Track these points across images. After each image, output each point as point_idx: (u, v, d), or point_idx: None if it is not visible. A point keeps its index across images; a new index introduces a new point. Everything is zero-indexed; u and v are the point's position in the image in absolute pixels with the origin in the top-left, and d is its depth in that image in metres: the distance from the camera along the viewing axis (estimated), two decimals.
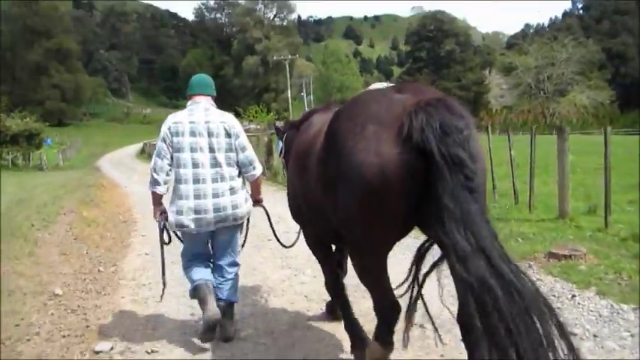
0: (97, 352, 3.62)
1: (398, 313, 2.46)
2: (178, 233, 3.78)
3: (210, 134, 3.52)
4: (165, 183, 3.61)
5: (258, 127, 46.88)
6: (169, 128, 3.53)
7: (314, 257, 3.52)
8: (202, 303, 3.54)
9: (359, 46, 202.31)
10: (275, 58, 58.57)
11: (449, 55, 79.30)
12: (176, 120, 3.56)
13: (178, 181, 3.55)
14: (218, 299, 3.66)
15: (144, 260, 6.40)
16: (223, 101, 64.51)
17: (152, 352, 3.63)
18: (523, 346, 1.62)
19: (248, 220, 3.94)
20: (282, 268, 4.69)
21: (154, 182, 3.60)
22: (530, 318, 1.66)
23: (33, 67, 66.88)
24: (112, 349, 3.68)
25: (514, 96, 70.16)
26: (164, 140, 3.52)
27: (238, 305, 4.41)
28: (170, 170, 3.58)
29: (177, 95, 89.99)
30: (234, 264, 3.86)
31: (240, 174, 3.71)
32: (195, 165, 3.49)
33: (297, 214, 3.27)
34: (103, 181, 16.62)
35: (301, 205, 2.97)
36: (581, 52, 59.88)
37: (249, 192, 3.92)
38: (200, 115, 3.55)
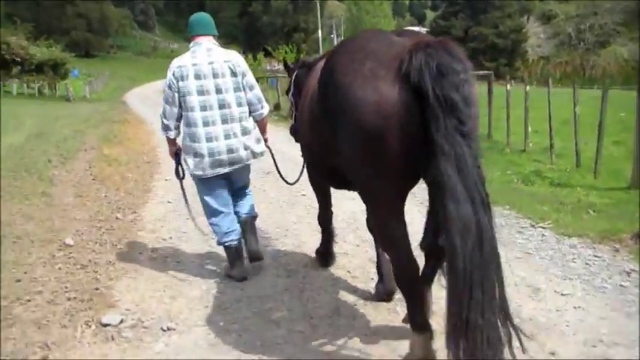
0: (105, 325, 3.07)
1: (416, 276, 2.31)
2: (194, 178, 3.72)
3: (215, 75, 3.46)
4: (176, 128, 3.61)
5: None
6: (173, 73, 3.45)
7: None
8: (232, 263, 3.75)
9: None
10: None
11: None
12: (180, 64, 3.47)
13: (188, 125, 3.50)
14: (238, 214, 3.84)
15: (166, 209, 5.82)
16: (251, 39, 62.78)
17: (168, 329, 3.06)
18: (476, 292, 1.80)
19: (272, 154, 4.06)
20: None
21: (165, 128, 3.61)
22: (488, 270, 1.83)
23: None
24: (121, 322, 3.12)
25: (552, 46, 66.60)
26: (170, 86, 3.47)
27: (270, 275, 3.88)
28: (180, 115, 3.54)
29: None
30: (247, 186, 4.00)
31: (249, 113, 3.67)
32: (203, 108, 3.45)
33: (302, 153, 3.39)
34: (128, 116, 16.06)
35: (307, 145, 3.06)
36: (625, 1, 55.78)
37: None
38: (203, 57, 3.47)
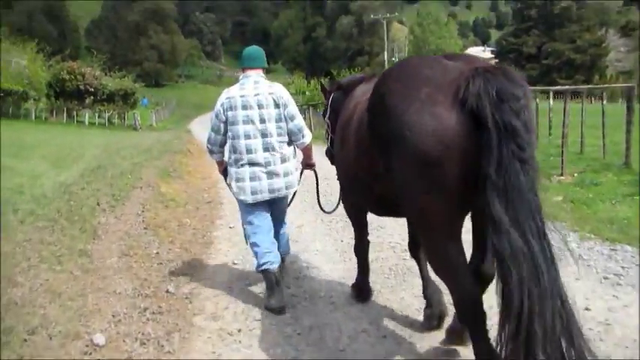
0: None
1: (481, 310, 2.10)
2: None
3: (260, 106, 3.63)
4: (219, 152, 3.89)
5: None
6: (222, 104, 3.68)
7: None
8: (270, 289, 3.69)
9: (454, 7, 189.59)
10: (372, 16, 54.85)
11: (563, 12, 70.65)
12: (229, 95, 3.69)
13: (234, 151, 3.69)
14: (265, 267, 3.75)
15: (230, 274, 4.44)
16: (314, 64, 62.56)
17: None
18: (537, 323, 1.69)
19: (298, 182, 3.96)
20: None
21: (210, 152, 3.97)
22: (546, 301, 1.72)
23: (132, 28, 68.99)
24: None
25: (633, 60, 61.90)
26: (217, 116, 3.71)
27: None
28: (224, 142, 3.77)
29: (267, 59, 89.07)
30: (284, 222, 4.15)
31: (290, 142, 3.79)
32: (247, 137, 3.64)
33: (339, 179, 3.39)
34: (191, 146, 15.19)
35: (344, 172, 3.07)
36: None
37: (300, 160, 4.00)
38: (250, 89, 3.66)
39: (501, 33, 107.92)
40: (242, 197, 3.72)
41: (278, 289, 3.66)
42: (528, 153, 1.79)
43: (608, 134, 9.66)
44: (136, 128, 30.71)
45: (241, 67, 3.83)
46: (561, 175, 7.44)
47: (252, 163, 3.63)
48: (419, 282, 3.90)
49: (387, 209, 2.82)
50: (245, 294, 4.00)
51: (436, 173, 1.92)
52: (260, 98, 3.63)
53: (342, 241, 5.07)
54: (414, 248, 3.32)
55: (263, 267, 3.69)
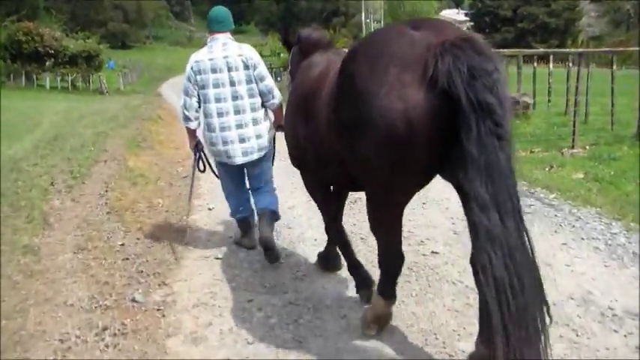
0: None
1: (401, 264, 2.47)
2: (214, 167, 4.11)
3: (229, 69, 3.61)
4: (195, 119, 3.81)
5: None
6: (192, 67, 3.65)
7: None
8: (243, 232, 4.12)
9: None
10: None
11: None
12: (197, 59, 3.66)
13: (206, 115, 3.71)
14: (256, 210, 4.00)
15: (213, 275, 3.64)
16: (289, 25, 60.57)
17: None
18: (518, 300, 1.70)
19: (274, 143, 3.98)
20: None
21: (186, 119, 3.82)
22: (523, 279, 1.72)
23: None
24: None
25: (603, 25, 61.97)
26: (189, 79, 3.68)
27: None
28: (199, 106, 3.75)
29: (239, 20, 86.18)
30: (269, 182, 4.03)
31: (262, 105, 3.78)
32: (217, 100, 3.64)
33: (297, 156, 3.14)
34: (162, 111, 14.05)
35: (304, 147, 2.88)
36: None
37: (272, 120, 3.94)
38: (218, 51, 3.64)
39: None
40: (217, 159, 3.85)
41: (250, 231, 4.09)
42: (505, 128, 1.75)
43: (599, 102, 9.08)
44: (103, 92, 28.97)
45: (208, 31, 3.80)
46: (572, 147, 6.80)
47: (223, 127, 3.66)
48: (448, 288, 3.23)
49: (348, 185, 2.92)
50: (232, 301, 3.22)
51: (406, 156, 1.91)
52: (229, 60, 3.61)
53: None
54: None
55: (237, 217, 4.09)
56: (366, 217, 2.41)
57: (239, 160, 3.73)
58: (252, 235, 4.08)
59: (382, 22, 74.51)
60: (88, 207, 4.88)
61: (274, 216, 3.90)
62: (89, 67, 31.82)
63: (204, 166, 4.16)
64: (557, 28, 64.14)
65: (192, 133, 3.95)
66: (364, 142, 2.01)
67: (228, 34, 3.73)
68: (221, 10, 3.80)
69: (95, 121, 11.16)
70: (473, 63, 1.76)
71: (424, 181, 2.17)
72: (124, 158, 6.96)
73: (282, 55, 31.57)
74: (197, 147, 4.05)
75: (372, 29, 63.08)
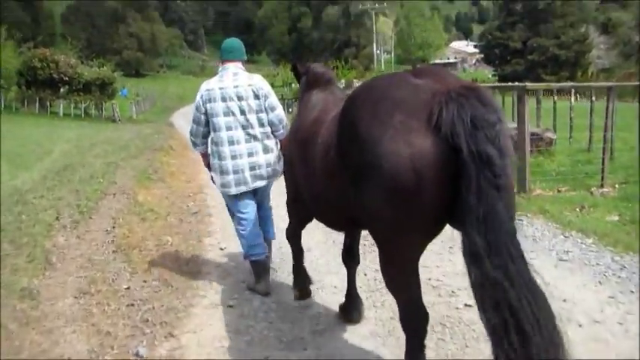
0: None
1: (426, 324, 2.23)
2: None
3: (239, 98, 3.64)
4: (203, 144, 3.88)
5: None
6: (202, 97, 3.68)
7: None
8: (257, 277, 3.87)
9: (436, 1, 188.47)
10: (361, 7, 53.42)
11: (547, 8, 70.28)
12: (208, 87, 3.69)
13: (216, 144, 3.72)
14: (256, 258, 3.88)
15: (224, 325, 3.33)
16: (300, 56, 61.14)
17: None
18: (532, 343, 1.63)
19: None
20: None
21: (193, 144, 3.96)
22: (538, 319, 1.67)
23: (111, 14, 66.67)
24: None
25: (612, 57, 62.13)
26: (197, 108, 3.73)
27: None
28: (207, 134, 3.79)
29: (251, 50, 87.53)
30: (268, 206, 4.18)
31: (272, 133, 3.81)
32: (228, 128, 3.65)
33: (294, 199, 3.35)
34: (173, 142, 13.89)
35: (302, 189, 2.99)
36: None
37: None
38: (229, 81, 3.67)
39: (483, 27, 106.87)
40: (226, 189, 3.78)
41: (265, 276, 3.89)
42: (504, 180, 1.75)
43: (620, 136, 8.75)
44: (115, 120, 29.13)
45: (220, 60, 3.84)
46: (602, 186, 6.47)
47: (234, 156, 3.66)
48: (486, 348, 2.88)
49: (348, 228, 3.06)
50: (246, 358, 2.91)
51: (412, 203, 1.87)
52: (239, 90, 3.64)
53: (365, 274, 3.99)
54: (348, 258, 3.35)
55: (251, 258, 3.87)
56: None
57: (249, 187, 3.75)
58: (267, 279, 3.88)
59: (392, 53, 75.21)
60: (94, 244, 4.63)
61: (270, 247, 4.19)
62: (102, 94, 32.07)
63: None
64: (567, 60, 64.24)
65: (204, 155, 4.01)
66: (369, 188, 1.97)
67: (239, 64, 3.81)
68: (233, 41, 3.90)
69: (106, 151, 11.01)
70: (476, 113, 1.75)
71: (434, 230, 2.09)
72: (133, 192, 6.74)
73: (293, 85, 31.71)
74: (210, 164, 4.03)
75: (382, 60, 63.64)
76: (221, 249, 4.91)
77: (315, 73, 3.37)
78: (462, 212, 1.76)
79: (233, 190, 3.72)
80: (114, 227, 5.15)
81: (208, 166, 3.97)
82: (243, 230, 3.86)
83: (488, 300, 1.69)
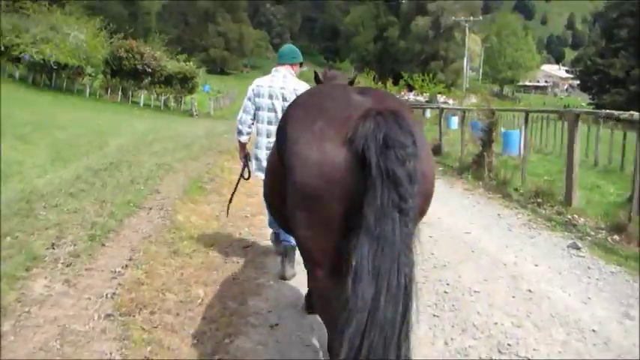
0: None
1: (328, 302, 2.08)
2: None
3: (283, 98, 3.99)
4: (247, 134, 4.20)
5: (419, 97, 40.75)
6: (253, 90, 4.08)
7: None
8: (283, 262, 4.08)
9: (529, 21, 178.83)
10: (454, 19, 50.64)
11: None
12: (259, 83, 4.10)
13: (257, 133, 4.13)
14: (283, 240, 4.10)
15: None
16: (383, 66, 59.22)
17: None
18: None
19: None
20: None
21: (239, 132, 4.20)
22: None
23: (202, 14, 68.46)
24: None
25: None
26: (249, 99, 4.09)
27: None
28: (252, 124, 4.16)
29: (334, 56, 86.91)
30: None
31: None
32: (269, 122, 4.02)
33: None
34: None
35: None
36: None
37: None
38: (278, 82, 4.06)
39: (577, 52, 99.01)
40: (258, 173, 4.07)
41: (290, 263, 4.03)
42: (409, 204, 1.70)
43: None
44: (192, 114, 28.74)
45: (277, 63, 4.20)
46: None
47: (268, 147, 3.91)
48: None
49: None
50: None
51: (316, 207, 1.88)
52: (284, 92, 3.99)
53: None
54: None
55: (282, 244, 4.08)
56: None
57: None
58: (292, 265, 4.03)
59: (480, 71, 71.37)
60: (84, 299, 3.06)
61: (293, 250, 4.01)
62: (183, 88, 32.04)
63: (249, 175, 4.29)
64: None
65: (242, 146, 4.27)
66: (288, 186, 1.99)
67: (289, 68, 4.14)
68: (287, 47, 4.30)
69: (165, 149, 9.76)
70: (390, 133, 1.74)
71: (342, 241, 1.86)
72: (173, 208, 5.22)
73: None
74: (245, 158, 4.29)
75: (467, 77, 60.36)
76: (271, 326, 3.20)
77: (324, 75, 3.38)
78: (359, 224, 1.70)
79: (261, 176, 3.84)
80: (126, 266, 3.60)
81: (244, 159, 4.27)
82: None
83: (351, 324, 1.60)
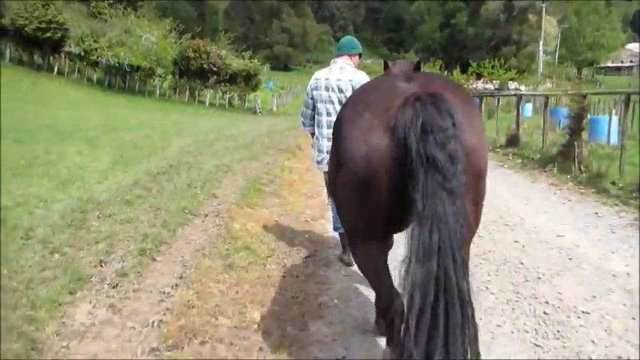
0: None
1: (399, 313, 2.18)
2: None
3: (340, 90, 4.01)
4: (310, 125, 4.30)
5: (488, 85, 38.68)
6: (310, 84, 4.19)
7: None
8: (345, 248, 4.23)
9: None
10: (528, 0, 47.71)
11: None
12: (317, 77, 4.16)
13: (317, 125, 4.18)
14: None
15: None
16: (450, 54, 56.94)
17: None
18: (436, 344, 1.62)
19: None
20: None
21: (303, 124, 4.41)
22: (455, 335, 1.64)
23: (267, 10, 69.17)
24: None
25: None
26: (307, 93, 4.21)
27: None
28: (313, 116, 4.21)
29: (398, 47, 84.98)
30: None
31: None
32: (328, 114, 4.06)
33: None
34: (304, 140, 12.25)
35: None
36: None
37: None
38: (335, 74, 4.08)
39: None
40: (320, 165, 4.14)
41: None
42: (454, 183, 1.74)
43: None
44: (255, 112, 28.94)
45: (335, 54, 4.21)
46: None
47: (329, 138, 3.72)
48: None
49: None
50: None
51: (365, 195, 1.99)
52: (340, 83, 4.01)
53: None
54: None
55: (340, 231, 4.21)
56: None
57: None
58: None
59: (557, 54, 67.12)
60: (127, 329, 2.77)
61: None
62: (247, 85, 32.39)
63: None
64: None
65: (311, 132, 4.31)
66: (340, 182, 2.14)
67: (347, 59, 4.14)
68: (345, 38, 4.34)
69: (226, 148, 9.61)
70: (428, 118, 1.78)
71: (393, 222, 2.08)
72: (229, 214, 4.91)
73: None
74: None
75: (541, 61, 56.78)
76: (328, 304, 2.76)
77: (393, 64, 3.31)
78: (410, 211, 1.76)
79: (324, 167, 3.91)
80: (176, 286, 3.30)
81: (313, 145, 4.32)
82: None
83: (414, 304, 1.65)
